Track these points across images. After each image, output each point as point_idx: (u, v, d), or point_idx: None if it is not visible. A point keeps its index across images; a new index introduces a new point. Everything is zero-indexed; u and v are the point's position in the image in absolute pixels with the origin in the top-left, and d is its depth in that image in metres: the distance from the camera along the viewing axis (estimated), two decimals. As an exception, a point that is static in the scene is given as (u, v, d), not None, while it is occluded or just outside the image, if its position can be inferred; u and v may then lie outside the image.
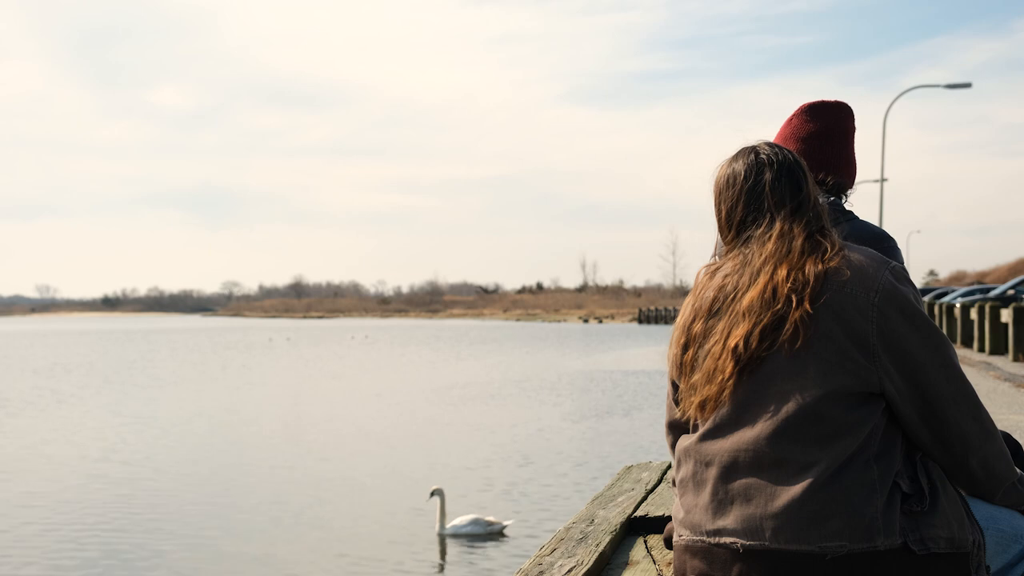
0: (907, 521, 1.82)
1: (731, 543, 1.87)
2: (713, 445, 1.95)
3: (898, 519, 1.81)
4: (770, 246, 1.99)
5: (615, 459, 15.03)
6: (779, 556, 1.82)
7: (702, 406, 1.98)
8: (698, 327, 2.02)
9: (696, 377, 1.99)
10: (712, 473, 1.94)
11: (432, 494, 11.05)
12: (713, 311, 2.01)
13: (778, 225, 2.01)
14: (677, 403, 2.12)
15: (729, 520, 1.89)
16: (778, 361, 1.91)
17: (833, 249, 1.98)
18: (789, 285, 1.93)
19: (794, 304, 1.91)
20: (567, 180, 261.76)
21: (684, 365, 2.04)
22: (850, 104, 2.78)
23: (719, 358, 1.95)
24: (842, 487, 1.82)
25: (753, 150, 2.11)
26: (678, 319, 2.12)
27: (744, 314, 1.95)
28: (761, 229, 2.02)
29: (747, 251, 2.02)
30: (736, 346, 1.93)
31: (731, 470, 1.91)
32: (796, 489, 1.84)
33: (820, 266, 1.94)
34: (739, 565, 1.86)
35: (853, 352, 1.89)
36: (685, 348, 2.05)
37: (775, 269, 1.96)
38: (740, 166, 2.09)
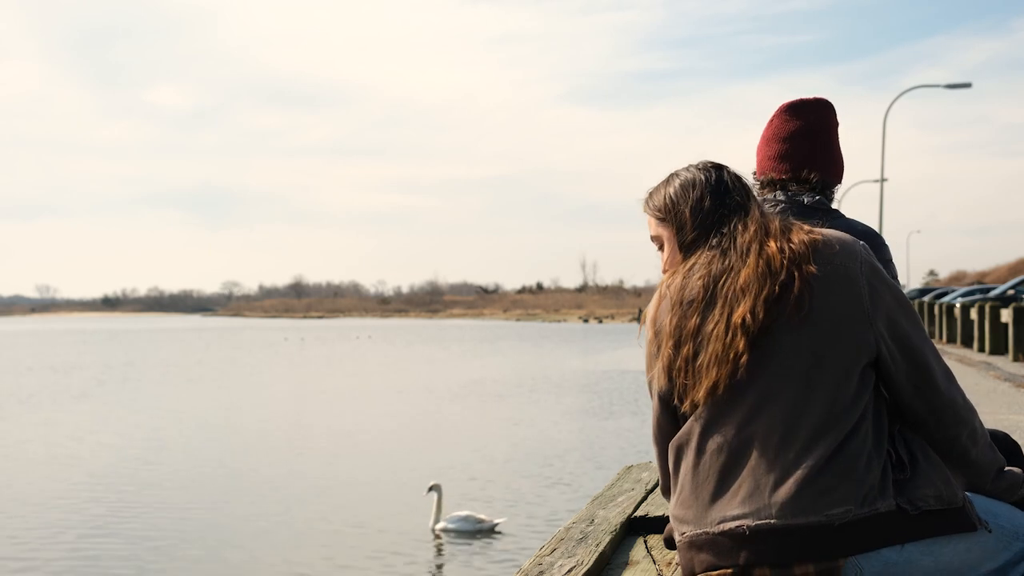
0: (895, 487, 1.87)
1: (737, 527, 1.86)
2: (720, 431, 1.94)
3: (890, 484, 1.86)
4: (752, 227, 2.03)
5: (615, 459, 15.02)
6: (786, 531, 1.83)
7: (713, 389, 1.94)
8: (692, 322, 1.99)
9: (701, 360, 1.96)
10: (718, 460, 1.93)
11: (430, 489, 11.06)
12: (705, 300, 1.99)
13: (754, 211, 2.07)
14: (673, 410, 2.07)
15: (734, 505, 1.88)
16: (782, 338, 1.93)
17: (806, 226, 2.06)
18: (782, 255, 1.96)
19: (794, 272, 1.94)
20: (567, 180, 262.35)
21: (683, 360, 1.99)
22: (831, 101, 2.76)
23: (726, 338, 1.93)
24: (845, 458, 1.86)
25: (690, 166, 2.19)
26: (655, 328, 2.07)
27: (742, 291, 1.95)
28: (736, 218, 2.06)
29: (722, 241, 2.04)
30: (743, 321, 1.92)
31: (739, 454, 1.91)
32: (804, 464, 1.86)
33: (806, 236, 2.00)
34: (747, 548, 1.85)
35: (852, 322, 1.93)
36: (678, 346, 2.01)
37: (762, 245, 1.99)
38: (690, 174, 2.16)
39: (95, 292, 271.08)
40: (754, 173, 2.79)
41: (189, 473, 14.79)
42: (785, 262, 1.95)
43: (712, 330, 1.96)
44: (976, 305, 19.58)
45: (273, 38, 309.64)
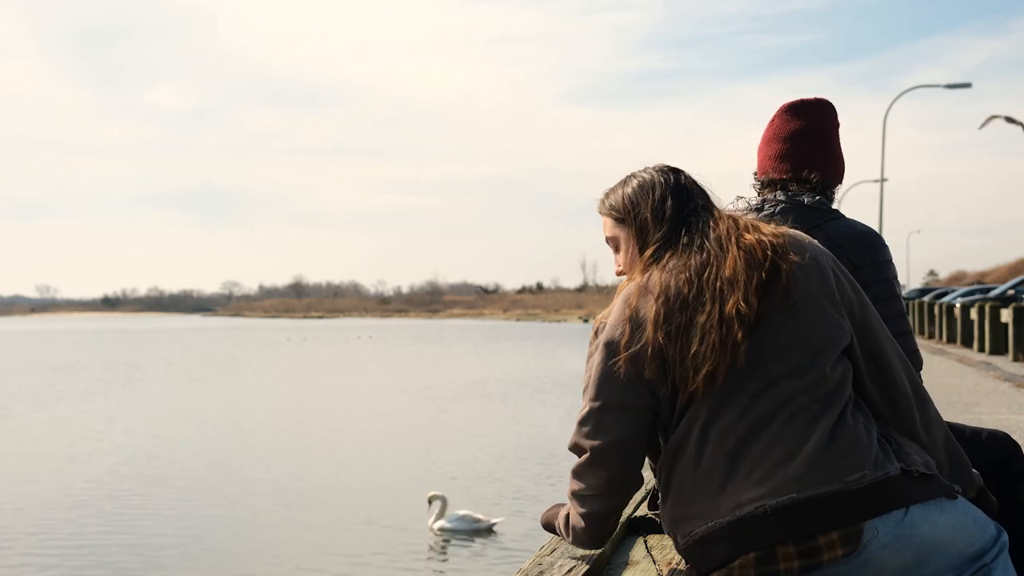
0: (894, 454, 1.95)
1: (756, 509, 1.86)
2: (721, 421, 1.94)
3: (890, 451, 1.94)
4: (723, 223, 2.08)
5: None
6: (809, 503, 1.85)
7: (710, 378, 1.94)
8: (682, 316, 1.99)
9: (697, 350, 1.95)
10: (723, 449, 1.93)
11: (431, 501, 10.87)
12: (692, 294, 2.00)
13: (718, 211, 2.13)
14: (656, 396, 2.03)
15: (749, 487, 1.88)
16: (773, 325, 1.97)
17: (771, 224, 2.12)
18: (763, 247, 2.01)
19: (779, 262, 2.00)
20: (567, 180, 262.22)
21: (676, 353, 1.98)
22: (831, 101, 2.77)
23: (721, 328, 1.95)
24: (847, 429, 1.92)
25: (647, 168, 2.22)
26: (633, 324, 2.03)
27: (730, 282, 1.98)
28: (703, 216, 2.09)
29: (693, 238, 2.06)
30: (738, 310, 1.95)
31: (746, 439, 1.92)
32: (812, 438, 1.89)
33: (776, 230, 2.06)
34: (770, 528, 1.85)
35: (831, 309, 2.01)
36: (670, 338, 1.99)
37: (738, 239, 2.03)
38: (648, 175, 2.19)
39: (95, 292, 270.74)
40: (755, 173, 2.79)
41: (191, 472, 14.79)
42: (768, 253, 2.00)
43: (705, 322, 1.97)
44: (976, 305, 19.57)
45: (273, 38, 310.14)
